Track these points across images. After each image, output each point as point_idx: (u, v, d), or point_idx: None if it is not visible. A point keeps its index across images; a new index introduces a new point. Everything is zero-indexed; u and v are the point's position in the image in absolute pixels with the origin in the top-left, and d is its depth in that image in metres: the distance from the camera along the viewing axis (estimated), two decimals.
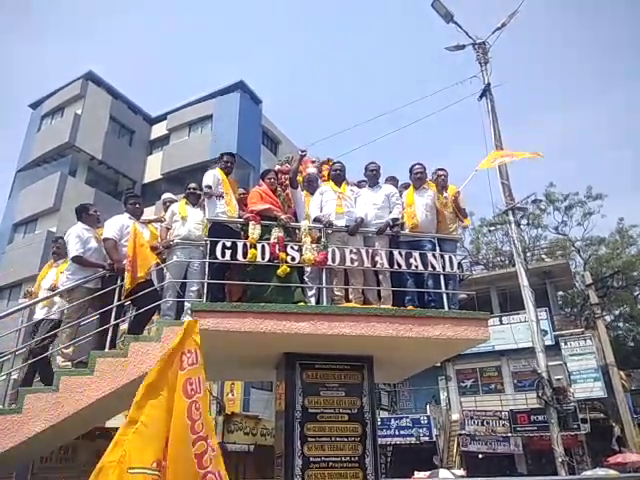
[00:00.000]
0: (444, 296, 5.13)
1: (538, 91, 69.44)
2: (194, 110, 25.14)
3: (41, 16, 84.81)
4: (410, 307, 5.06)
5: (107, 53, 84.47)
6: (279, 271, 4.84)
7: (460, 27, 9.44)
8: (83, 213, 5.36)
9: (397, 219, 5.36)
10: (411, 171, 5.75)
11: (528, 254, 25.80)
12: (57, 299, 5.32)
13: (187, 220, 5.27)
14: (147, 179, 25.32)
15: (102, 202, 18.60)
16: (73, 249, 5.04)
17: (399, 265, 5.11)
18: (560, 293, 24.90)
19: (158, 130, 26.56)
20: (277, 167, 6.18)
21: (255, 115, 24.95)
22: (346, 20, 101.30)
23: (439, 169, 5.89)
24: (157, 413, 2.68)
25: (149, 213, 6.68)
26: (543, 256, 25.65)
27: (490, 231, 28.20)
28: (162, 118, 26.45)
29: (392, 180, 6.02)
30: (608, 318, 26.42)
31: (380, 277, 5.28)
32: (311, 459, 4.76)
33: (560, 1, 68.78)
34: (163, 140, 26.09)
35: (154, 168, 24.88)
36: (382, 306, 5.09)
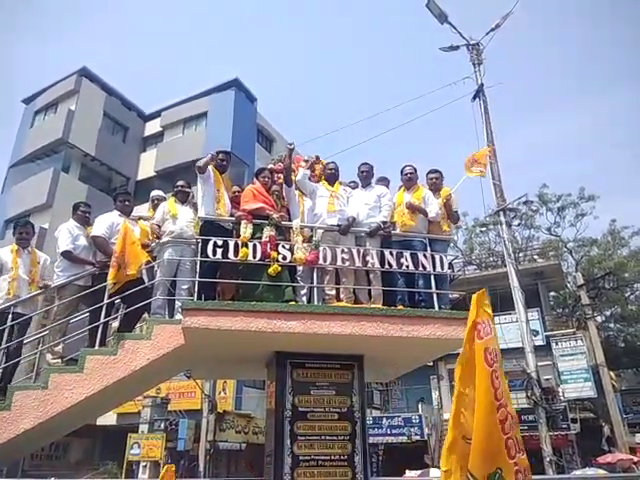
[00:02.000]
0: (434, 296, 5.16)
1: (536, 91, 69.78)
2: (188, 107, 25.07)
3: (36, 12, 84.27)
4: (400, 307, 5.08)
5: (101, 49, 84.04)
6: (270, 270, 4.85)
7: (454, 28, 9.49)
8: (74, 210, 5.36)
9: (385, 222, 5.38)
10: (402, 172, 5.78)
11: (520, 254, 25.92)
12: (25, 293, 5.10)
13: (178, 218, 5.26)
14: (141, 176, 25.22)
15: (95, 199, 18.53)
16: (63, 244, 5.03)
17: (390, 265, 5.13)
18: (552, 293, 25.02)
19: (152, 127, 26.46)
20: (270, 166, 6.20)
21: (250, 113, 24.92)
22: (342, 18, 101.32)
23: (430, 171, 5.92)
24: (475, 384, 2.77)
25: (142, 210, 6.66)
26: (535, 257, 25.76)
27: (482, 232, 28.34)
28: (156, 115, 26.36)
29: (383, 181, 6.04)
30: (599, 319, 26.58)
31: (371, 276, 5.30)
32: (301, 458, 4.77)
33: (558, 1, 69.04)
34: (157, 137, 26.01)
35: (148, 165, 24.80)
36: (373, 306, 5.11)
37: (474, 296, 2.93)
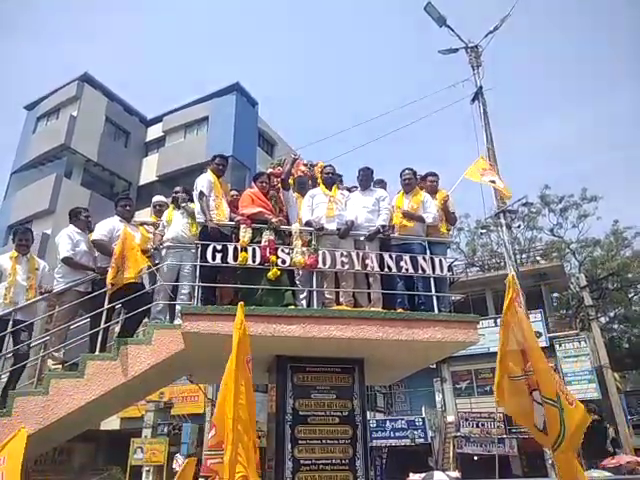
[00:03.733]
0: (434, 299, 5.15)
1: (537, 93, 69.73)
2: (190, 112, 25.14)
3: (38, 16, 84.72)
4: (400, 310, 5.07)
5: (103, 55, 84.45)
6: (269, 274, 4.86)
7: (453, 30, 9.52)
8: (74, 217, 5.37)
9: (384, 226, 5.38)
10: (401, 176, 5.78)
11: (523, 256, 25.90)
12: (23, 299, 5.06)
13: (173, 223, 5.30)
14: (143, 181, 25.28)
15: (97, 204, 18.62)
16: (63, 250, 5.04)
17: (389, 268, 5.12)
18: (555, 295, 24.99)
19: (154, 132, 26.55)
20: (269, 170, 6.21)
21: (251, 117, 24.96)
22: (344, 21, 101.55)
23: (428, 174, 5.94)
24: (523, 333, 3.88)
25: (145, 215, 6.70)
26: (538, 258, 25.71)
27: (482, 234, 28.34)
28: (158, 120, 26.45)
29: (380, 183, 6.04)
30: (603, 320, 26.54)
31: (370, 280, 5.30)
32: (301, 461, 4.77)
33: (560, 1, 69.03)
34: (159, 142, 26.09)
35: (150, 170, 24.87)
36: (372, 309, 5.11)
37: (509, 280, 4.08)
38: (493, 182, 6.25)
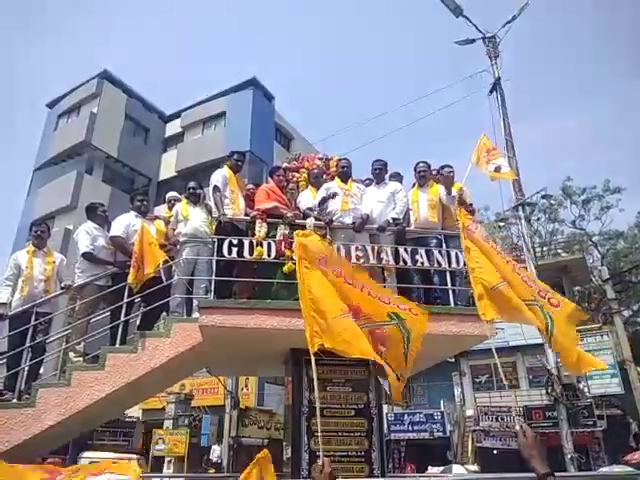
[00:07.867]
0: (450, 292, 5.13)
1: (542, 89, 68.30)
2: (207, 108, 25.34)
3: (56, 16, 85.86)
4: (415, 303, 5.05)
5: (122, 52, 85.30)
6: (285, 268, 4.90)
7: (470, 21, 9.38)
8: (91, 212, 5.47)
9: (397, 218, 5.35)
10: (415, 169, 5.75)
11: (545, 249, 25.51)
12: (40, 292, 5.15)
13: (190, 219, 5.35)
14: (162, 176, 25.61)
15: (118, 200, 18.88)
16: (83, 245, 5.14)
17: (405, 262, 5.12)
18: (577, 288, 24.55)
19: (172, 128, 26.83)
20: (285, 164, 6.24)
21: (268, 112, 25.03)
22: (359, 15, 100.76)
23: (444, 166, 5.88)
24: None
25: (164, 210, 6.83)
26: (560, 251, 25.28)
27: (500, 227, 27.95)
28: (176, 116, 26.72)
29: (396, 176, 6.02)
30: (626, 313, 26.01)
31: (385, 274, 5.29)
32: (318, 453, 4.81)
33: None
34: (177, 138, 26.36)
35: (169, 165, 25.16)
36: None
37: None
38: (498, 170, 5.94)
